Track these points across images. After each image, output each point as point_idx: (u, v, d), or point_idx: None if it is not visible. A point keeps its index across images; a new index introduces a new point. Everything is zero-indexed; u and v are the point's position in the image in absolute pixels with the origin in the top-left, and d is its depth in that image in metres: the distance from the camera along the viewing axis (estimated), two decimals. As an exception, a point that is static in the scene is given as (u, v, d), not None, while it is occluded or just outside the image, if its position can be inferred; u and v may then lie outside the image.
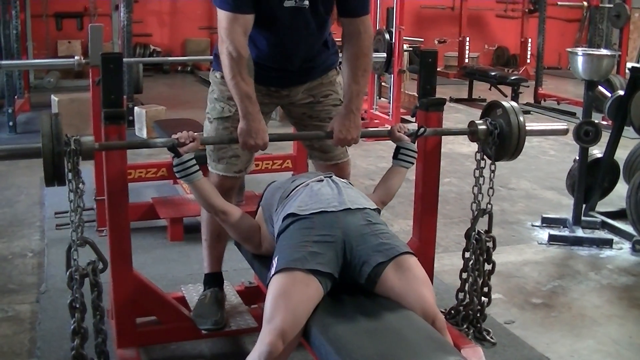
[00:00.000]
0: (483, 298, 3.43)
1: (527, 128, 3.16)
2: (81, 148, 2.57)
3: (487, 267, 3.41)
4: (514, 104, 3.22)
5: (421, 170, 3.28)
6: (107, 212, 2.86)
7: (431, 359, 2.12)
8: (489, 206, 3.35)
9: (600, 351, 3.38)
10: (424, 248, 3.30)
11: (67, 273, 2.66)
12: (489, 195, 3.31)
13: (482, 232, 3.36)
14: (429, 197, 3.32)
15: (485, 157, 3.30)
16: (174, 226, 4.64)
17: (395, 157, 3.02)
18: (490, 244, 3.37)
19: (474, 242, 3.36)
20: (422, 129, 3.06)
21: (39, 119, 2.58)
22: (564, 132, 3.49)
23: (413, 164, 3.03)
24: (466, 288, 3.43)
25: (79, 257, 2.65)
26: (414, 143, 3.03)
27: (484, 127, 3.19)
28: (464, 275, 3.43)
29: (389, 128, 3.08)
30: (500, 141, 3.18)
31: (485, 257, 3.37)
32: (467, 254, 3.41)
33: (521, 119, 3.13)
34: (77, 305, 2.67)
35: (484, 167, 3.29)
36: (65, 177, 2.56)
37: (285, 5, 2.80)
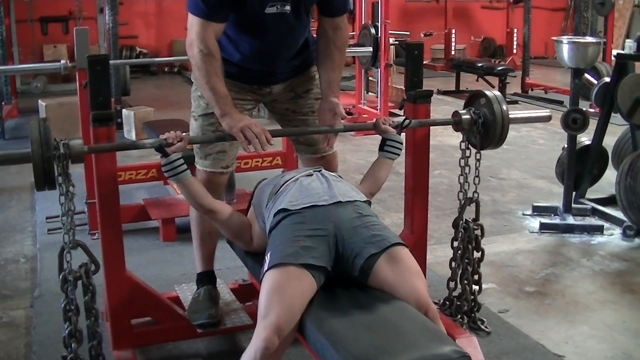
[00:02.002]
0: (474, 286, 3.44)
1: (510, 116, 3.18)
2: (70, 152, 2.56)
3: (477, 255, 3.42)
4: (497, 92, 3.23)
5: (411, 163, 3.29)
6: (98, 214, 2.85)
7: (427, 349, 2.13)
8: (476, 195, 3.36)
9: (595, 337, 3.40)
10: (416, 240, 3.31)
11: (60, 276, 2.66)
12: (475, 184, 3.32)
13: (469, 220, 3.38)
14: (419, 189, 3.33)
15: (470, 146, 3.31)
16: (166, 227, 4.64)
17: (381, 149, 3.03)
18: (478, 232, 3.38)
19: (462, 230, 3.37)
20: (407, 121, 3.07)
21: (28, 125, 2.58)
22: (547, 118, 3.51)
23: (399, 155, 3.04)
24: (457, 277, 3.44)
25: (71, 260, 2.65)
26: (400, 134, 3.04)
27: (467, 116, 3.21)
28: (454, 264, 3.44)
29: (374, 120, 3.09)
30: (485, 130, 3.19)
31: (474, 245, 3.39)
32: (455, 243, 3.42)
33: (504, 107, 3.15)
34: (72, 308, 2.67)
35: (469, 157, 3.30)
36: (56, 181, 2.56)
37: (267, 11, 2.82)
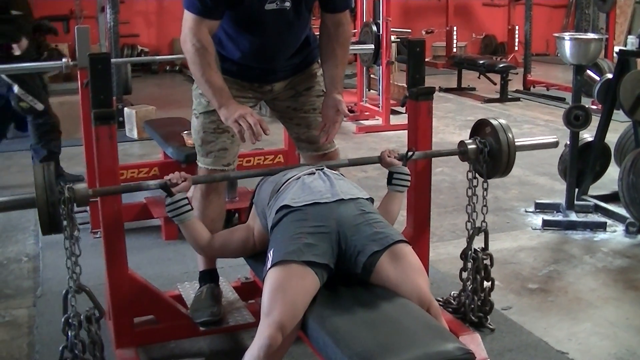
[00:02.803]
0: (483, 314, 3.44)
1: (516, 144, 3.18)
2: (75, 196, 2.57)
3: (487, 284, 3.42)
4: (502, 121, 3.23)
5: (413, 162, 3.29)
6: (100, 213, 2.85)
7: (430, 346, 2.13)
8: (484, 224, 3.35)
9: (598, 333, 3.39)
10: (419, 237, 3.31)
11: (63, 319, 2.65)
12: (483, 214, 3.32)
13: (478, 250, 3.37)
14: (421, 186, 3.32)
15: (477, 175, 3.31)
16: (168, 225, 4.63)
17: (389, 182, 3.02)
18: (487, 262, 3.37)
19: (471, 260, 3.36)
20: (410, 153, 3.07)
21: (33, 170, 2.60)
22: (554, 145, 3.51)
23: (408, 186, 3.03)
24: (465, 308, 3.43)
25: (77, 305, 2.65)
26: (405, 165, 3.04)
27: (473, 146, 3.22)
28: (462, 296, 3.44)
29: (379, 154, 3.08)
30: (491, 159, 3.19)
31: (483, 274, 3.38)
32: (464, 274, 3.41)
33: (510, 135, 3.16)
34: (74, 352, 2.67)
35: (476, 186, 3.30)
36: (62, 224, 2.57)
37: (267, 8, 2.81)
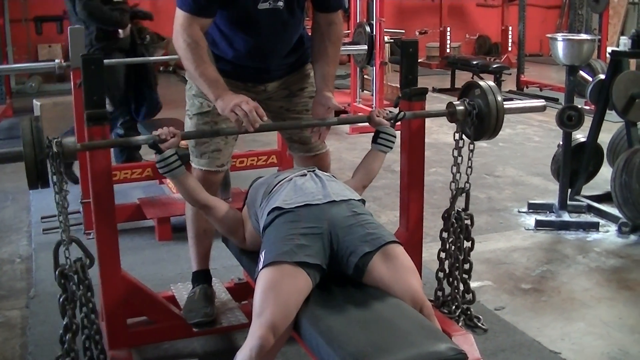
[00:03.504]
0: (465, 275, 3.44)
1: (505, 106, 3.17)
2: (63, 150, 2.55)
3: (467, 244, 3.42)
4: (491, 83, 3.22)
5: (406, 160, 3.29)
6: (93, 214, 2.85)
7: (423, 346, 2.13)
8: (467, 185, 3.35)
9: (591, 333, 3.40)
10: (412, 238, 3.31)
11: (57, 272, 2.65)
12: (467, 174, 3.32)
13: (460, 210, 3.38)
14: (415, 186, 3.33)
15: (465, 137, 3.30)
16: (161, 226, 4.63)
17: (374, 141, 3.03)
18: (468, 222, 3.38)
19: (454, 220, 3.36)
20: (401, 113, 3.06)
21: (19, 124, 2.56)
22: (542, 108, 3.49)
23: (392, 148, 3.03)
24: (446, 267, 3.44)
25: (69, 255, 2.63)
26: (393, 127, 3.03)
27: (462, 107, 3.20)
28: (442, 254, 3.44)
29: (369, 113, 3.08)
30: (479, 121, 3.18)
31: (464, 234, 3.39)
32: (445, 234, 3.42)
33: (499, 98, 3.14)
34: (69, 303, 2.66)
35: (462, 147, 3.30)
36: (50, 179, 2.55)
37: (260, 7, 2.82)
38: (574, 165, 5.05)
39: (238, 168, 5.11)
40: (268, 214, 2.62)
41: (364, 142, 7.39)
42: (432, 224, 4.79)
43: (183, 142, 4.10)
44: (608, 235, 4.71)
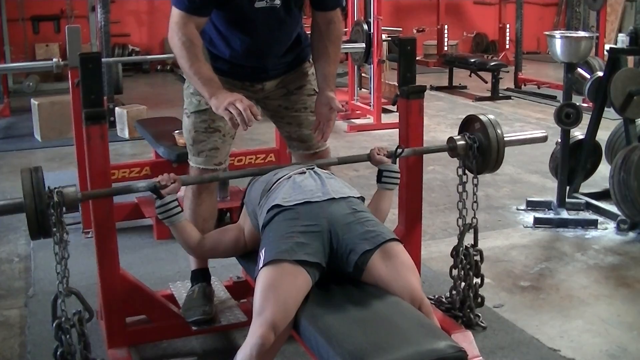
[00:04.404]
0: (475, 310, 3.43)
1: (506, 139, 3.18)
2: (64, 200, 2.56)
3: (477, 280, 3.41)
4: (491, 116, 3.23)
5: (404, 159, 3.29)
6: (92, 213, 2.85)
7: (422, 344, 2.13)
8: (474, 220, 3.35)
9: (590, 331, 3.40)
10: (410, 236, 3.31)
11: (54, 324, 2.63)
12: (473, 210, 3.32)
13: (469, 246, 3.37)
14: (413, 184, 3.33)
15: (467, 171, 3.31)
16: (159, 225, 4.60)
17: (379, 180, 3.00)
18: (477, 258, 3.38)
19: (462, 257, 3.36)
20: (399, 150, 3.05)
21: (20, 175, 2.56)
22: (543, 139, 3.51)
23: (397, 184, 3.02)
24: (457, 305, 3.42)
25: (66, 308, 2.62)
26: (395, 163, 3.03)
27: (462, 142, 3.22)
28: (454, 292, 3.42)
29: (368, 152, 3.07)
30: (481, 155, 3.19)
31: (474, 271, 3.38)
32: (454, 271, 3.40)
33: (499, 131, 3.16)
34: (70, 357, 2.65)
35: (466, 182, 3.30)
36: (51, 229, 2.55)
37: (257, 6, 2.82)
38: (572, 162, 5.05)
39: (236, 166, 5.11)
40: (267, 212, 2.62)
41: (361, 140, 7.40)
42: (430, 222, 4.80)
43: (181, 140, 4.12)
44: (606, 232, 4.71)
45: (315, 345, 2.23)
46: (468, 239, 3.39)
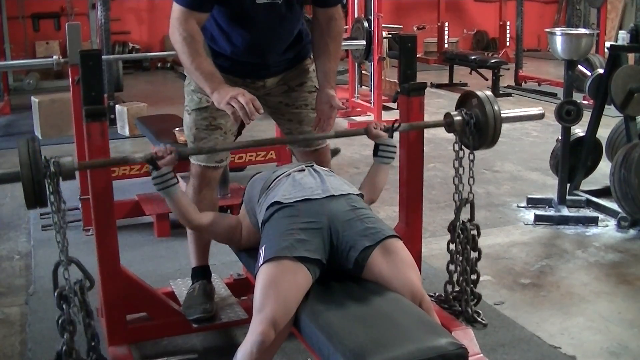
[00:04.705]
0: (472, 286, 3.44)
1: (502, 115, 3.17)
2: (61, 169, 2.55)
3: (474, 254, 3.42)
4: (488, 92, 3.22)
5: (405, 156, 3.29)
6: (92, 210, 2.84)
7: (423, 341, 2.13)
8: (471, 195, 3.35)
9: (590, 328, 3.40)
10: (411, 233, 3.31)
11: (56, 293, 2.64)
12: (469, 184, 3.32)
13: (466, 221, 3.37)
14: (414, 182, 3.33)
15: (464, 147, 3.30)
16: (160, 222, 4.63)
17: (375, 154, 3.01)
18: (474, 232, 3.38)
19: (459, 232, 3.37)
20: (396, 125, 3.05)
21: (16, 145, 2.54)
22: (540, 116, 3.50)
23: (393, 159, 3.02)
24: (454, 279, 3.43)
25: (69, 277, 2.61)
26: (391, 137, 3.03)
27: (459, 118, 3.20)
28: (451, 266, 3.44)
29: (365, 127, 3.07)
30: (477, 131, 3.18)
31: (471, 245, 3.38)
32: (452, 246, 3.41)
33: (496, 107, 3.14)
34: (71, 325, 2.64)
35: (462, 157, 3.30)
36: (48, 199, 2.53)
37: (258, 2, 2.81)
38: (572, 160, 5.05)
39: (237, 164, 5.11)
40: (267, 209, 2.61)
41: (362, 137, 7.37)
42: (431, 220, 4.80)
43: (182, 138, 4.12)
44: (607, 229, 4.71)
45: (316, 342, 2.23)
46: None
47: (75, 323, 2.64)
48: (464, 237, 3.37)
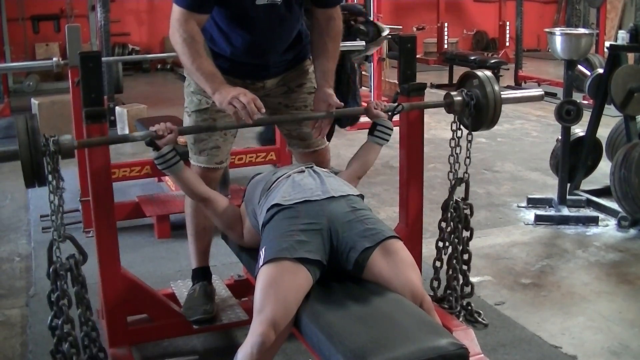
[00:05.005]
0: (464, 266, 3.44)
1: (503, 96, 3.16)
2: (60, 148, 2.54)
3: (466, 234, 3.42)
4: (488, 73, 3.20)
5: (405, 156, 3.29)
6: (92, 212, 2.84)
7: (424, 342, 2.13)
8: (466, 175, 3.35)
9: (591, 327, 3.40)
10: (412, 233, 3.31)
11: (51, 269, 2.64)
12: (465, 165, 3.31)
13: (459, 200, 3.37)
14: (414, 182, 3.33)
15: (462, 127, 3.30)
16: (160, 223, 4.63)
17: (371, 133, 3.02)
18: (467, 211, 3.38)
19: (452, 210, 3.36)
20: (399, 106, 3.05)
21: (15, 122, 2.54)
22: (540, 97, 3.49)
23: (388, 141, 3.02)
24: (444, 257, 3.43)
25: (61, 255, 2.64)
26: (391, 120, 3.03)
27: (459, 98, 3.19)
28: (440, 244, 3.44)
29: (367, 104, 3.07)
30: (477, 111, 3.17)
31: (463, 224, 3.38)
32: (443, 224, 3.42)
33: (496, 88, 3.13)
34: (64, 300, 2.66)
35: (460, 137, 3.29)
36: (45, 177, 2.54)
37: (258, 3, 2.81)
38: (572, 159, 5.05)
39: (237, 165, 5.11)
40: (267, 211, 2.61)
41: (362, 138, 7.28)
42: (432, 220, 4.78)
43: (181, 139, 4.11)
44: (607, 229, 4.71)
45: (316, 343, 2.23)
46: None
47: (70, 297, 2.68)
48: (456, 216, 3.36)
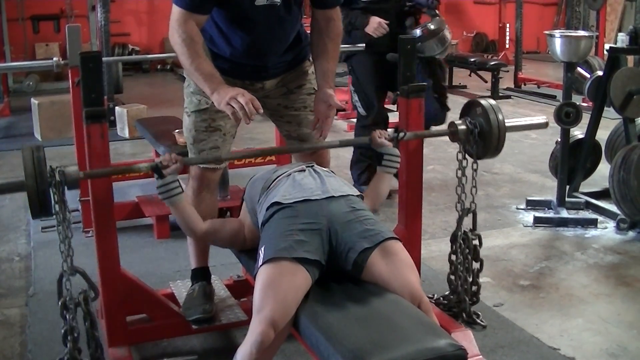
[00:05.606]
0: (474, 298, 3.45)
1: (507, 125, 3.18)
2: (66, 179, 2.55)
3: (475, 265, 3.41)
4: (492, 101, 3.22)
5: (405, 159, 3.29)
6: (92, 212, 2.85)
7: (422, 343, 2.13)
8: (473, 205, 3.35)
9: (590, 329, 3.40)
10: (411, 235, 3.31)
11: (60, 303, 2.64)
12: (472, 194, 3.32)
13: (467, 231, 3.37)
14: (413, 184, 3.33)
15: (467, 156, 3.30)
16: (160, 224, 4.63)
17: (379, 163, 3.03)
18: (476, 242, 3.38)
19: (461, 242, 3.36)
20: (401, 134, 3.06)
21: (21, 153, 2.54)
22: (544, 125, 3.51)
23: (397, 168, 3.04)
24: (459, 289, 3.42)
25: (70, 287, 2.62)
26: (396, 147, 3.03)
27: (463, 127, 3.21)
28: (453, 277, 3.43)
29: (370, 135, 3.07)
30: (481, 140, 3.19)
31: (472, 255, 3.38)
32: (453, 257, 3.41)
33: (500, 116, 3.15)
34: (74, 335, 2.65)
35: (466, 167, 3.30)
36: (52, 208, 2.54)
37: (257, 3, 2.81)
38: (571, 162, 5.05)
39: (236, 166, 5.11)
40: (267, 209, 2.62)
41: (361, 139, 7.39)
42: (430, 221, 4.81)
43: (181, 140, 4.12)
44: (606, 231, 4.72)
45: (315, 344, 2.23)
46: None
47: (78, 332, 2.65)
48: (465, 247, 3.36)
